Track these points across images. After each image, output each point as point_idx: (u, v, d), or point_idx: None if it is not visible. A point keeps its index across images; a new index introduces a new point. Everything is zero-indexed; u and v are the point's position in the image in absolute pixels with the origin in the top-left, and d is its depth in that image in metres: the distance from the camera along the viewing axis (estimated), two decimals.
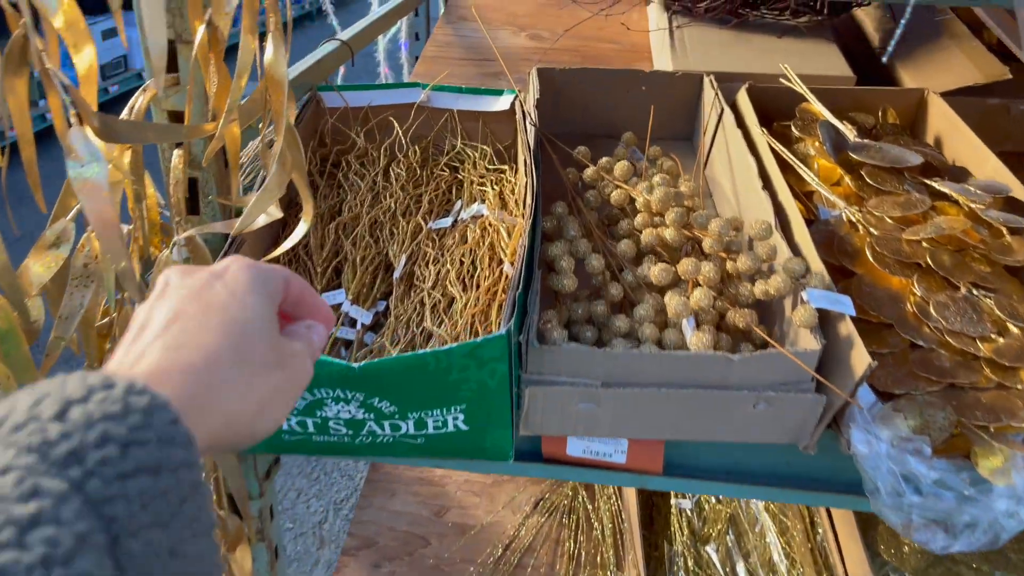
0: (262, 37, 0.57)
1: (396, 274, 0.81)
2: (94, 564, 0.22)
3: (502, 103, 0.97)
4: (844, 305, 0.69)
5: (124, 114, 0.63)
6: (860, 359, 0.65)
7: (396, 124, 0.99)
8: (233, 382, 0.33)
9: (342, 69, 1.71)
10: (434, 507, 1.18)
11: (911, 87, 1.13)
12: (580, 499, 1.19)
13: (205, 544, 0.26)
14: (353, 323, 0.79)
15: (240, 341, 0.34)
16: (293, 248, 0.84)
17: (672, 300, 0.71)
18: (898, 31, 0.59)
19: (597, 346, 0.78)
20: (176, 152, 0.67)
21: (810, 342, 0.68)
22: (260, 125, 0.61)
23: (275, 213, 0.65)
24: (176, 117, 0.68)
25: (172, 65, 0.65)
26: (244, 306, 0.35)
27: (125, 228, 0.72)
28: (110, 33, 4.05)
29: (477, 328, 0.74)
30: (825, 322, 0.70)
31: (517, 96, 0.96)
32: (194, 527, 0.25)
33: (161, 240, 0.76)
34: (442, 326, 0.74)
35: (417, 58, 1.52)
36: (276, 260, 0.82)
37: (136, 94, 0.63)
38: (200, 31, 0.55)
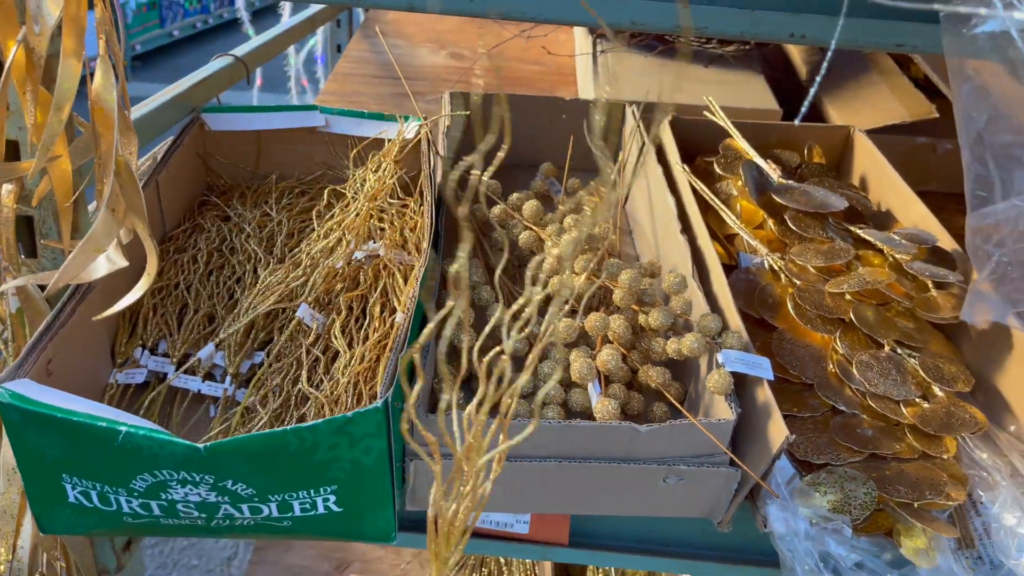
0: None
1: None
2: None
3: (407, 130, 0.90)
4: (762, 369, 0.63)
5: None
6: (777, 431, 0.59)
7: (292, 151, 0.90)
8: None
9: (259, 79, 1.60)
10: (334, 561, 1.09)
11: (838, 124, 1.09)
12: None
13: None
14: (225, 376, 0.70)
15: None
16: (172, 284, 0.75)
17: (576, 362, 0.64)
18: (820, 74, 0.53)
19: (499, 404, 0.71)
20: (6, 187, 0.58)
21: (724, 411, 0.62)
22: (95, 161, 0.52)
23: (117, 261, 0.56)
24: (9, 147, 0.58)
25: None
26: None
27: None
28: None
29: (362, 389, 0.66)
30: (742, 386, 0.65)
31: (423, 123, 0.89)
32: None
33: None
34: (321, 387, 0.66)
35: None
36: (140, 304, 0.73)
37: None
38: (12, 51, 0.46)
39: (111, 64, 0.48)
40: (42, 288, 0.62)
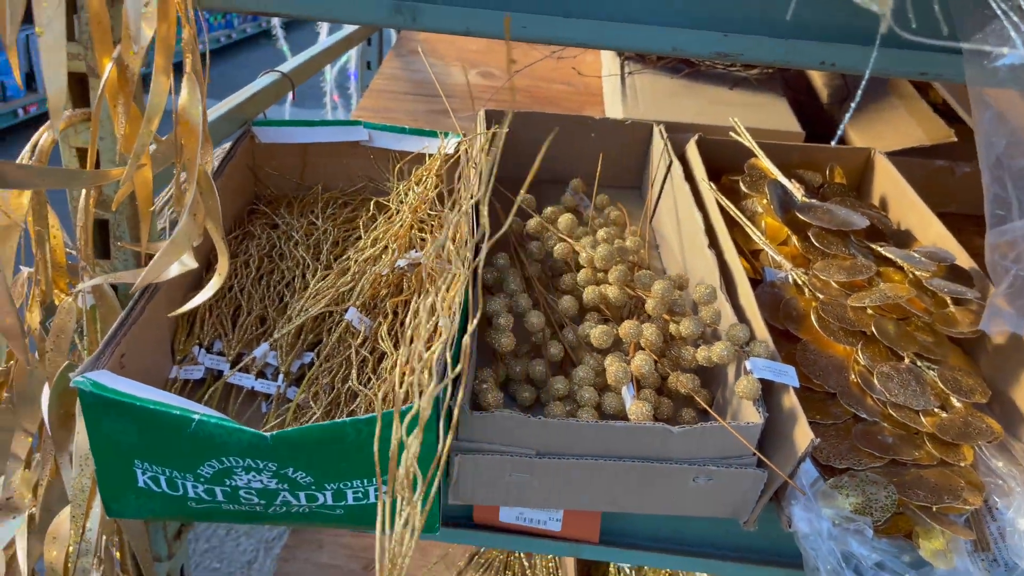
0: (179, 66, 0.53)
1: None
2: None
3: (446, 146, 0.94)
4: (788, 376, 0.67)
5: (25, 152, 0.58)
6: (803, 435, 0.62)
7: (336, 164, 0.95)
8: None
9: (291, 95, 1.66)
10: (364, 560, 1.12)
11: (858, 146, 1.13)
12: (516, 555, 1.15)
13: None
14: (276, 375, 0.75)
15: None
16: (226, 287, 0.79)
17: (612, 366, 0.67)
18: (855, 100, 0.57)
19: (535, 406, 0.75)
20: (85, 192, 0.62)
21: (752, 415, 0.65)
22: (175, 168, 0.56)
23: (189, 263, 0.60)
24: (86, 155, 0.63)
25: (86, 99, 0.61)
26: None
27: (26, 271, 0.67)
28: None
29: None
30: (769, 392, 0.68)
31: (462, 140, 0.93)
32: None
33: (69, 282, 0.71)
34: (369, 385, 0.70)
35: (367, 87, 1.48)
36: (196, 309, 0.77)
37: (40, 130, 0.58)
38: (107, 68, 0.51)
39: (196, 81, 0.52)
40: (114, 287, 0.66)
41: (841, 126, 0.53)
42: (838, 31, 0.56)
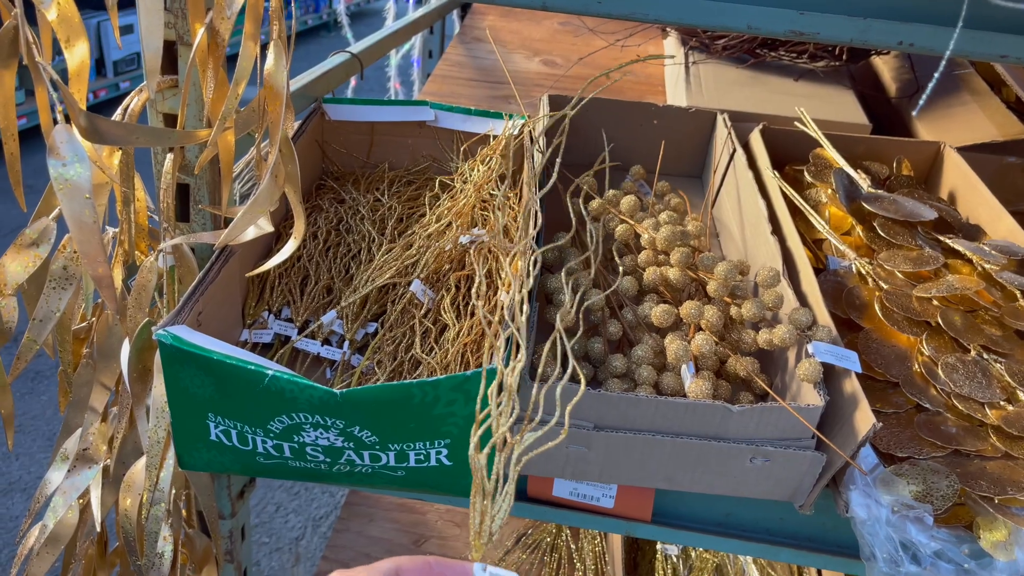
0: (265, 46, 0.55)
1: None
2: None
3: (510, 128, 0.95)
4: (850, 361, 0.66)
5: (117, 114, 0.61)
6: (864, 419, 0.62)
7: (402, 143, 0.97)
8: None
9: (352, 81, 1.69)
10: (413, 535, 1.14)
11: (927, 140, 1.11)
12: (564, 537, 1.15)
13: None
14: (341, 342, 0.77)
15: None
16: (295, 257, 0.82)
17: (672, 344, 0.68)
18: (930, 85, 0.57)
19: (592, 385, 0.75)
20: (169, 156, 0.65)
21: (813, 397, 0.65)
22: (256, 135, 0.59)
23: (265, 227, 0.62)
24: (172, 120, 0.65)
25: (172, 67, 0.63)
26: None
27: (111, 231, 0.70)
28: (126, 29, 4.06)
29: (468, 359, 0.71)
30: (829, 378, 0.68)
31: (526, 122, 0.94)
32: None
33: (148, 244, 0.74)
34: (432, 354, 0.72)
35: (429, 75, 1.50)
36: (268, 272, 0.79)
37: (131, 94, 0.61)
38: (199, 34, 0.53)
39: (282, 48, 0.54)
40: (192, 249, 0.69)
41: (922, 99, 0.53)
42: (916, 11, 0.56)
